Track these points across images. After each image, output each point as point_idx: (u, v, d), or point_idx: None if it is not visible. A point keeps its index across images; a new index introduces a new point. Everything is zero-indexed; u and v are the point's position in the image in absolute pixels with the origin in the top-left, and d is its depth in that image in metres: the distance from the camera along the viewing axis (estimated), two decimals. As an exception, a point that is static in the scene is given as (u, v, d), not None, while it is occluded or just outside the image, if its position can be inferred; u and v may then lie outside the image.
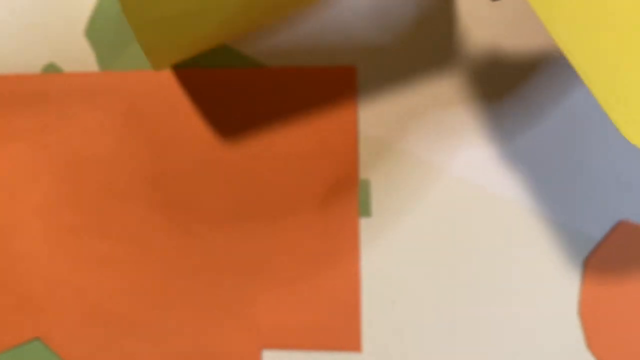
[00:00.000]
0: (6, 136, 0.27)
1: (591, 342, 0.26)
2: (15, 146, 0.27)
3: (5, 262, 0.28)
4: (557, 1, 0.17)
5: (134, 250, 0.27)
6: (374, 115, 0.26)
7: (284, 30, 0.26)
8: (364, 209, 0.26)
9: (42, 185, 0.27)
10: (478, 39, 0.26)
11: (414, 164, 0.26)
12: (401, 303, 0.27)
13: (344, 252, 0.26)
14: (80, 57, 0.27)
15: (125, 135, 0.27)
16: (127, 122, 0.27)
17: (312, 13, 0.26)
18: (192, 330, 0.27)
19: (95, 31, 0.27)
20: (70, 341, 0.28)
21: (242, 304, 0.27)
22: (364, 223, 0.26)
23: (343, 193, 0.26)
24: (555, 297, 0.26)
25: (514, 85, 0.26)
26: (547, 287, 0.26)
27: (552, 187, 0.26)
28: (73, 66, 0.27)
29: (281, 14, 0.22)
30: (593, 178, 0.26)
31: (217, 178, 0.27)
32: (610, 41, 0.16)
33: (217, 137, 0.27)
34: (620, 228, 0.26)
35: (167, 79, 0.27)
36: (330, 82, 0.26)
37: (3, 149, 0.27)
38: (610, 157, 0.26)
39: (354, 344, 0.27)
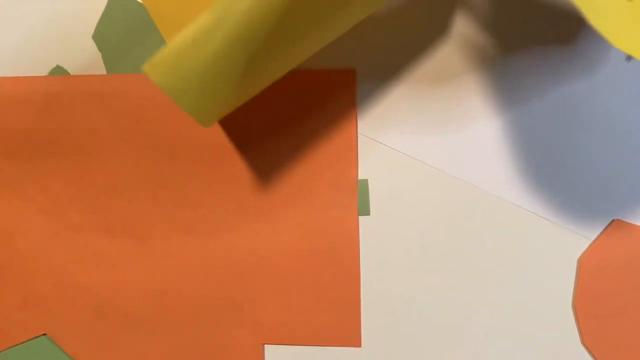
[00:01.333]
0: (13, 137, 0.27)
1: (585, 336, 0.26)
2: (22, 147, 0.27)
3: (13, 260, 0.28)
4: None
5: (138, 248, 0.27)
6: (373, 117, 0.26)
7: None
8: (363, 208, 0.27)
9: (48, 185, 0.28)
10: (477, 42, 0.26)
11: (412, 164, 0.26)
12: (400, 299, 0.27)
13: (344, 250, 0.27)
14: (87, 60, 0.27)
15: (131, 136, 0.27)
16: (133, 123, 0.27)
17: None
18: (196, 325, 0.27)
19: (103, 35, 0.27)
20: (76, 337, 0.28)
21: (245, 301, 0.27)
22: (363, 221, 0.27)
23: (342, 192, 0.26)
24: (550, 293, 0.26)
25: (512, 88, 0.26)
26: (543, 284, 0.26)
27: (548, 188, 0.26)
28: (80, 69, 0.27)
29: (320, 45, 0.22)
30: (587, 179, 0.26)
31: (220, 178, 0.27)
32: None
33: (220, 137, 0.27)
34: (613, 227, 0.26)
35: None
36: (330, 84, 0.26)
37: (10, 150, 0.28)
38: (604, 158, 0.26)
39: (354, 340, 0.27)
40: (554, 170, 0.26)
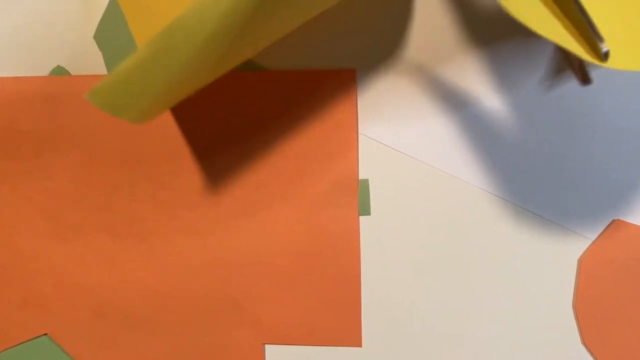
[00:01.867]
0: (14, 137, 0.27)
1: (585, 336, 0.26)
2: (22, 147, 0.28)
3: (14, 260, 0.28)
4: None
5: (138, 248, 0.27)
6: (373, 116, 0.27)
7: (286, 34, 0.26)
8: (364, 208, 0.27)
9: (48, 185, 0.28)
10: (476, 45, 0.26)
11: (412, 164, 0.26)
12: (401, 299, 0.27)
13: (345, 250, 0.27)
14: (88, 60, 0.27)
15: (131, 136, 0.27)
16: (133, 124, 0.27)
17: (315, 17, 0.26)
18: (196, 325, 0.27)
19: (103, 35, 0.27)
20: (77, 337, 0.28)
21: (245, 300, 0.27)
22: (363, 221, 0.27)
23: (343, 192, 0.27)
24: (551, 293, 0.26)
25: (514, 89, 0.26)
26: (544, 284, 0.26)
27: (548, 188, 0.26)
28: (81, 69, 0.27)
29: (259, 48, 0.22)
30: (587, 179, 0.26)
31: (221, 178, 0.27)
32: None
33: (220, 138, 0.27)
34: (613, 227, 0.26)
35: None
36: (330, 84, 0.26)
37: (10, 149, 0.28)
38: (604, 158, 0.26)
39: (355, 339, 0.27)
40: (554, 170, 0.26)
